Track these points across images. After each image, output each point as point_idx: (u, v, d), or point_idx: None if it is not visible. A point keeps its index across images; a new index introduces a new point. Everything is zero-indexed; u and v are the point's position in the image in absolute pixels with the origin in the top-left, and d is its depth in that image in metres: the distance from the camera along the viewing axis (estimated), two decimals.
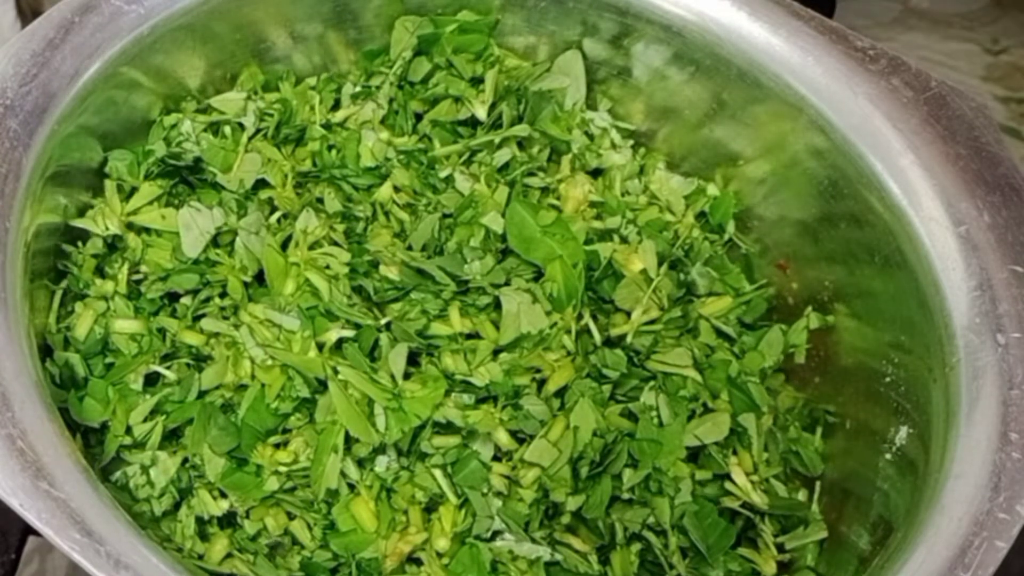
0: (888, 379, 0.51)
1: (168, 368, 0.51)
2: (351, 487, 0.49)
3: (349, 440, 0.48)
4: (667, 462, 0.51)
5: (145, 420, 0.49)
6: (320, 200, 0.56)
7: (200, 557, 0.48)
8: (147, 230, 0.54)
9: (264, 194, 0.56)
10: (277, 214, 0.55)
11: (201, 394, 0.50)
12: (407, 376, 0.50)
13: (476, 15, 0.60)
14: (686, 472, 0.51)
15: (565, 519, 0.50)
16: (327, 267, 0.52)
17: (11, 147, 0.47)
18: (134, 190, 0.55)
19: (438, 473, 0.49)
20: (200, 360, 0.51)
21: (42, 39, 0.50)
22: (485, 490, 0.49)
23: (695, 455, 0.53)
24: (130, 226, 0.54)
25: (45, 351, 0.51)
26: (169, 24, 0.54)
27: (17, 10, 0.74)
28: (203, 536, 0.49)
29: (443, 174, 0.57)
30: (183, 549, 0.48)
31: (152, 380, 0.51)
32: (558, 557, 0.48)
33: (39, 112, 0.49)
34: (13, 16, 0.73)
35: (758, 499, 0.52)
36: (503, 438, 0.49)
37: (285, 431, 0.50)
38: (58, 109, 0.50)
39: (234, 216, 0.54)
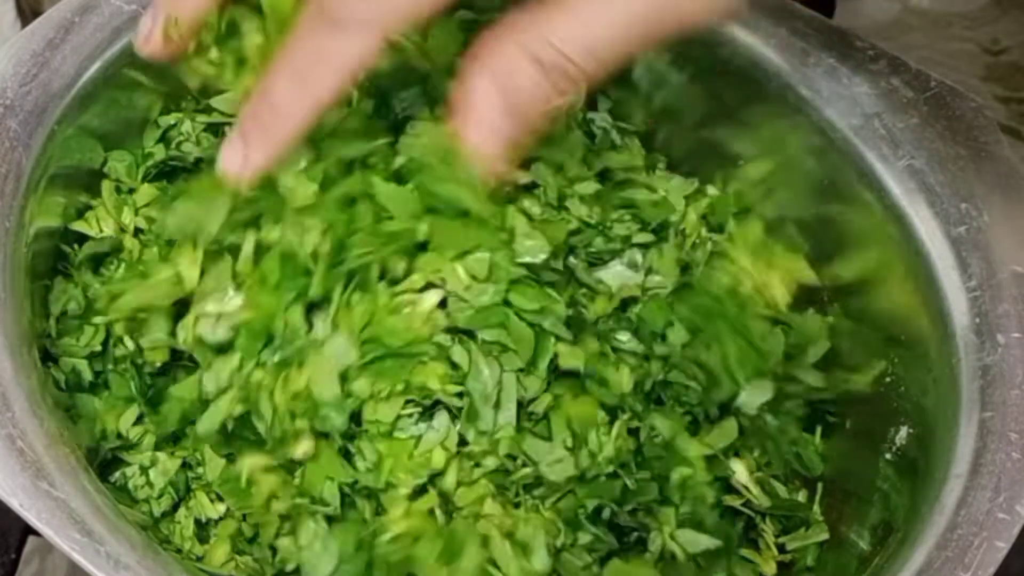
0: (888, 379, 0.51)
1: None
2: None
3: None
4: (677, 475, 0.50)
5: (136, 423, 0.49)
6: None
7: (199, 559, 0.48)
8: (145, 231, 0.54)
9: None
10: None
11: None
12: None
13: (474, 15, 0.60)
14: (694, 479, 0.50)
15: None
16: None
17: (11, 147, 0.47)
18: (132, 191, 0.55)
19: None
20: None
21: (42, 39, 0.50)
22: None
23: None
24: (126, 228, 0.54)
25: (45, 353, 0.50)
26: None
27: (17, 10, 0.74)
28: (202, 538, 0.49)
29: None
30: (182, 550, 0.48)
31: None
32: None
33: (39, 112, 0.49)
34: (13, 16, 0.74)
35: (759, 498, 0.51)
36: None
37: None
38: (58, 109, 0.50)
39: None
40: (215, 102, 0.57)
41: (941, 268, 0.48)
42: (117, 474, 0.49)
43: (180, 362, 0.51)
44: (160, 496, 0.49)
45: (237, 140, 0.39)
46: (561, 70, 0.33)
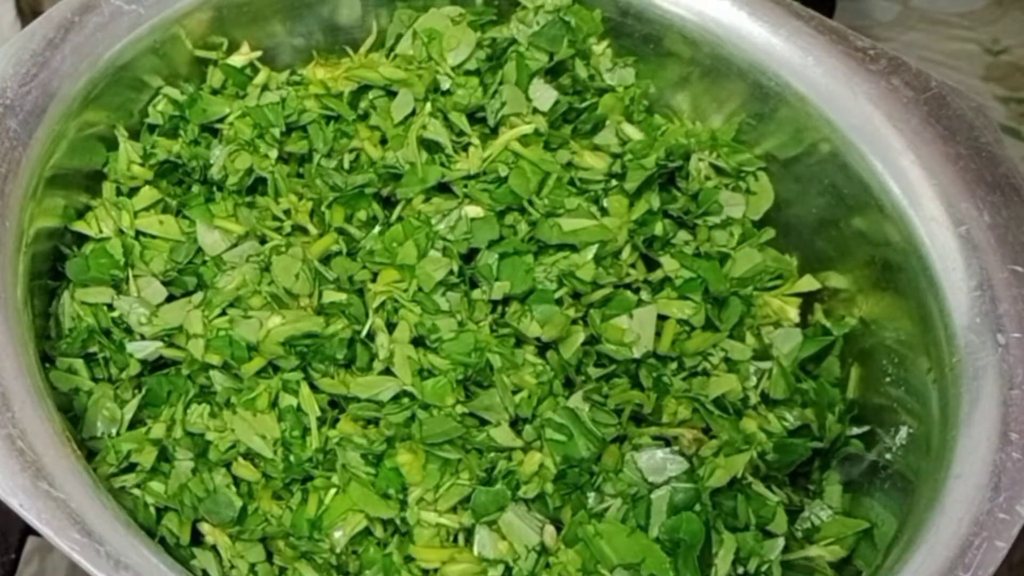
0: (888, 379, 0.51)
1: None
2: None
3: None
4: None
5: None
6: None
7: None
8: (144, 233, 0.54)
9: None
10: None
11: None
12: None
13: (473, 15, 0.60)
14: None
15: None
16: None
17: (11, 147, 0.47)
18: (133, 191, 0.55)
19: None
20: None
21: (42, 39, 0.50)
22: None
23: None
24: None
25: (44, 353, 0.50)
26: (169, 24, 0.54)
27: (17, 10, 0.74)
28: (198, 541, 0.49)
29: None
30: (180, 553, 0.48)
31: None
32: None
33: (39, 112, 0.49)
34: (13, 16, 0.74)
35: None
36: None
37: None
38: (58, 109, 0.50)
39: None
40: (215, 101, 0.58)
41: (941, 268, 0.48)
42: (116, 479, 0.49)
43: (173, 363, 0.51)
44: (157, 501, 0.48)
45: None
46: None
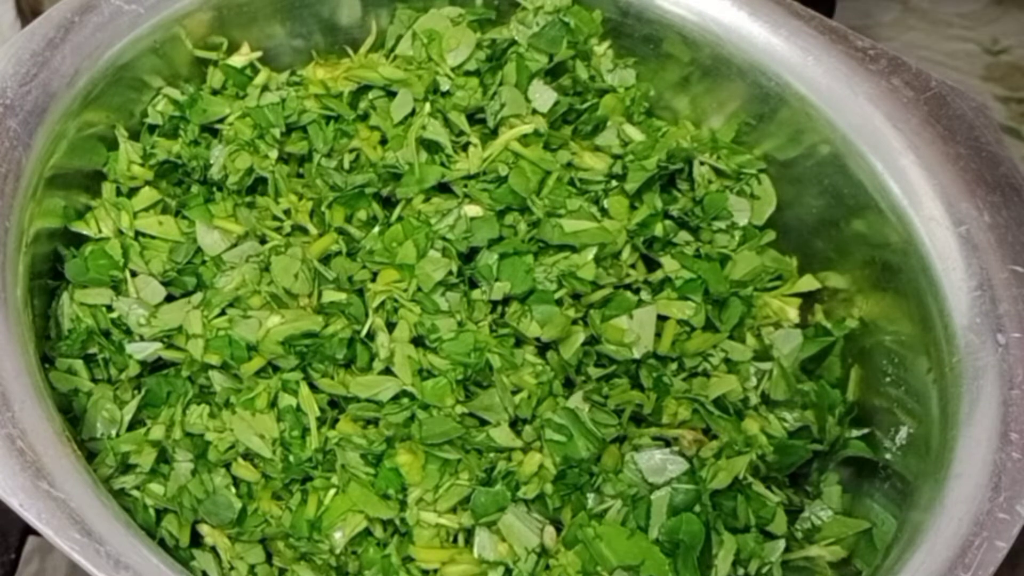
0: (888, 379, 0.51)
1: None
2: None
3: None
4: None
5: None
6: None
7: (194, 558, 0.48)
8: (143, 234, 0.54)
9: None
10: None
11: None
12: None
13: (473, 16, 0.60)
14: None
15: None
16: None
17: (11, 147, 0.47)
18: (133, 192, 0.55)
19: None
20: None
21: (42, 39, 0.50)
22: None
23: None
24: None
25: (46, 355, 0.50)
26: (169, 24, 0.54)
27: (17, 10, 0.74)
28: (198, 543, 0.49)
29: None
30: (179, 555, 0.48)
31: None
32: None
33: (39, 112, 0.49)
34: (13, 16, 0.73)
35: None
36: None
37: None
38: (58, 109, 0.50)
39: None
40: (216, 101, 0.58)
41: (941, 268, 0.48)
42: (116, 480, 0.49)
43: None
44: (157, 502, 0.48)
45: None
46: None
